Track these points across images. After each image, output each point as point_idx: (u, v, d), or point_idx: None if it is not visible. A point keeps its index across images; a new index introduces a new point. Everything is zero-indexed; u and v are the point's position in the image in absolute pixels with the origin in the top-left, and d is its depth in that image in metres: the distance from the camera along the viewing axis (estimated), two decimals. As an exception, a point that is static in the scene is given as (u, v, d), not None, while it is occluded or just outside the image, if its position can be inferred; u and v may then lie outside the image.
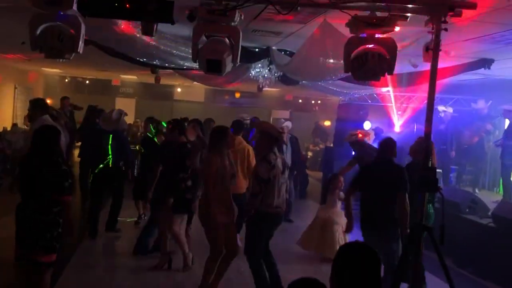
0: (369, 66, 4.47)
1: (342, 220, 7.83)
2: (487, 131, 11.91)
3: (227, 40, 4.61)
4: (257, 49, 10.01)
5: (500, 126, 12.13)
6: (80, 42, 4.47)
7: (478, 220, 8.53)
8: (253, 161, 7.68)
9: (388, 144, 6.14)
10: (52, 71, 21.25)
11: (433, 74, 4.56)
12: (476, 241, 8.15)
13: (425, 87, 11.10)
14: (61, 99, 11.84)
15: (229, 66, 4.62)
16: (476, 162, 12.07)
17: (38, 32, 4.42)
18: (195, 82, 17.55)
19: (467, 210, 8.88)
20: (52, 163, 4.93)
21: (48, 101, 19.15)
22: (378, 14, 4.63)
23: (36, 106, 6.69)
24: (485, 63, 9.01)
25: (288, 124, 10.81)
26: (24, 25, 8.69)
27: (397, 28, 4.61)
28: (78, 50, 4.47)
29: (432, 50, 4.51)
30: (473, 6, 4.38)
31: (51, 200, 4.90)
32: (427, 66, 8.11)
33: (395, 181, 5.81)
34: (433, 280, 6.60)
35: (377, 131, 11.69)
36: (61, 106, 11.32)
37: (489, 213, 8.58)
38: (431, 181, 4.38)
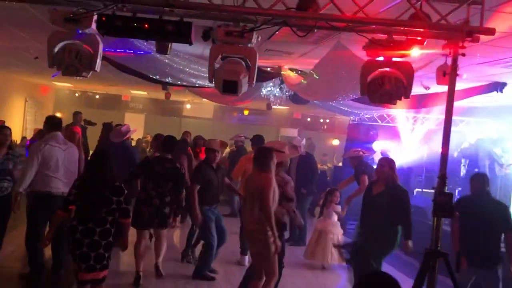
0: (386, 89, 4.47)
1: (337, 230, 8.67)
2: (497, 155, 11.82)
3: (243, 61, 4.64)
4: (269, 68, 10.03)
5: (510, 150, 12.02)
6: (98, 61, 4.51)
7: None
8: None
9: (481, 177, 6.45)
10: (63, 85, 21.37)
11: (451, 97, 4.56)
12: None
13: (435, 108, 11.14)
14: (73, 114, 11.82)
15: (245, 87, 4.63)
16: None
17: (56, 49, 4.45)
18: (204, 99, 17.59)
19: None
20: (116, 190, 5.10)
21: (59, 115, 19.26)
22: (395, 37, 4.63)
23: (52, 124, 6.69)
24: (498, 86, 8.97)
25: (296, 141, 10.37)
26: (37, 40, 8.85)
27: (414, 52, 4.62)
28: (96, 69, 4.50)
29: (449, 74, 4.51)
30: (491, 32, 4.38)
31: (112, 224, 5.07)
32: (437, 88, 8.17)
33: (497, 216, 6.06)
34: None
35: (382, 154, 11.68)
36: (74, 121, 11.32)
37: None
38: (446, 206, 4.34)
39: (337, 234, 8.63)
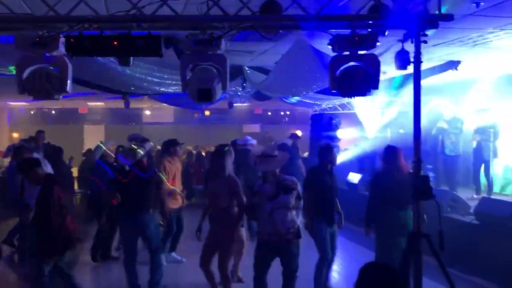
0: (356, 83, 4.59)
1: None
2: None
3: (214, 68, 4.69)
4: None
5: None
6: (69, 82, 4.47)
7: (461, 218, 8.70)
8: None
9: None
10: (18, 104, 20.83)
11: (417, 84, 4.68)
12: (461, 239, 8.29)
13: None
14: (36, 133, 11.49)
15: (219, 93, 4.68)
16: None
17: (25, 75, 4.40)
18: (164, 103, 17.44)
19: (449, 209, 9.04)
20: None
21: (15, 135, 18.65)
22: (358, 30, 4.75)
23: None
24: (453, 64, 9.28)
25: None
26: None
27: (378, 44, 4.76)
28: (67, 90, 4.47)
29: (414, 63, 4.66)
30: (450, 18, 4.54)
31: None
32: (395, 72, 8.38)
33: None
34: (428, 283, 6.66)
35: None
36: (36, 140, 11.00)
37: (471, 210, 8.76)
38: (425, 189, 4.49)
39: None
